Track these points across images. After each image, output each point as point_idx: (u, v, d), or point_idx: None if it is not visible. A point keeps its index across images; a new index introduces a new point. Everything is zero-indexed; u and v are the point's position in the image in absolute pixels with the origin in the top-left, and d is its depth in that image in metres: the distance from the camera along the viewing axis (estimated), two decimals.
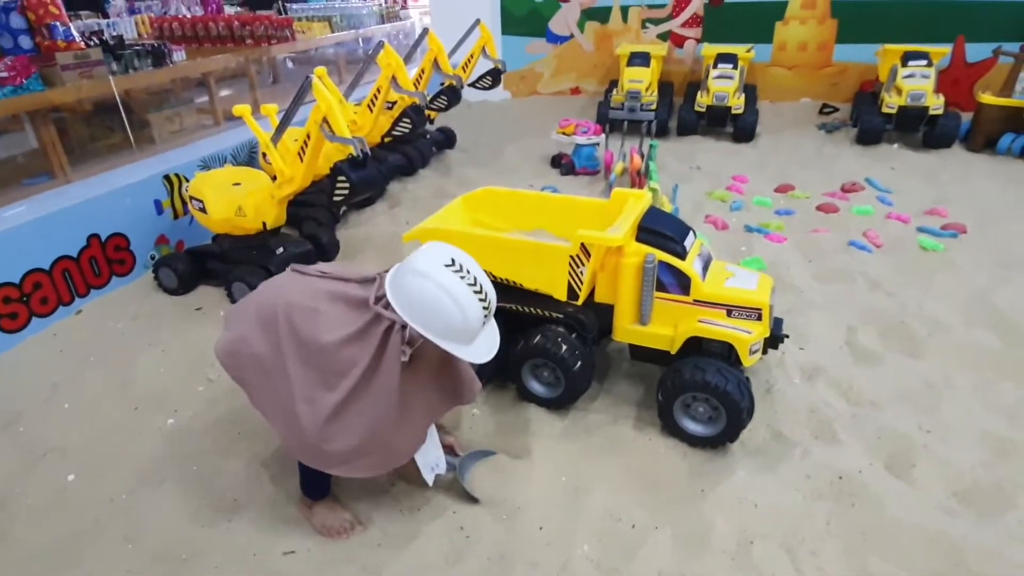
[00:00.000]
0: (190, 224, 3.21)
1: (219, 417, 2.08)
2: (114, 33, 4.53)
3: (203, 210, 2.73)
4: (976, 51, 4.92)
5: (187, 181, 3.14)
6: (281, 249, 2.89)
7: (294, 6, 6.21)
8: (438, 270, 1.33)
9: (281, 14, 5.79)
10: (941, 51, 4.59)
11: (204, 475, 1.84)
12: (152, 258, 3.06)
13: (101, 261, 2.84)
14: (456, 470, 1.74)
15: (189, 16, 5.13)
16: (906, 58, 4.53)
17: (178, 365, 2.37)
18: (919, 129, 4.51)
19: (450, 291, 1.32)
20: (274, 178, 2.75)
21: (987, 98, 4.33)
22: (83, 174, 3.11)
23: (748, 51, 5.06)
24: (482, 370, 2.08)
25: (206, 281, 2.95)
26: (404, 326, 1.38)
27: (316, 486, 1.66)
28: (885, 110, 4.48)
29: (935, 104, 4.34)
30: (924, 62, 4.47)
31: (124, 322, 2.68)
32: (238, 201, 2.71)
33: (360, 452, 1.45)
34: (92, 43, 3.71)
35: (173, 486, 1.80)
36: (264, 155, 2.97)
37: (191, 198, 2.77)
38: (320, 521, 1.64)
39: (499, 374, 2.13)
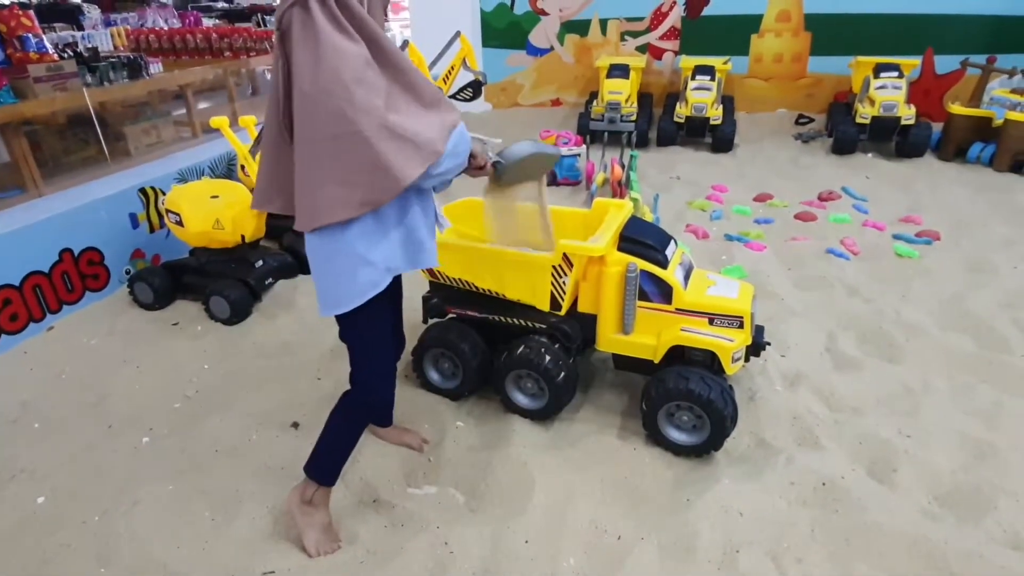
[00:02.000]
0: (167, 238, 3.16)
1: (196, 435, 2.03)
2: (89, 45, 4.46)
3: (180, 223, 2.69)
4: (945, 63, 5.05)
5: (163, 194, 3.09)
6: (260, 262, 2.85)
7: (272, 18, 6.17)
8: None
9: (260, 27, 5.76)
10: (911, 63, 4.71)
11: (180, 495, 1.79)
12: (127, 273, 3.00)
13: (74, 276, 2.77)
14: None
15: (167, 28, 5.08)
16: (878, 70, 4.64)
17: (154, 382, 2.31)
18: (892, 139, 4.61)
19: None
20: (252, 190, 2.72)
21: (957, 108, 4.44)
22: (56, 187, 3.04)
23: (725, 63, 5.14)
24: (465, 382, 2.08)
25: (183, 296, 2.90)
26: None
27: (330, 464, 1.56)
28: (859, 120, 4.57)
29: (907, 115, 4.45)
30: (895, 74, 4.58)
31: (98, 338, 2.62)
32: (216, 214, 2.67)
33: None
34: (66, 55, 3.65)
35: (148, 507, 1.74)
36: (243, 167, 2.94)
37: (167, 211, 2.73)
38: (315, 545, 1.56)
39: (483, 385, 2.11)
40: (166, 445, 1.99)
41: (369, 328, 1.45)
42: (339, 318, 1.41)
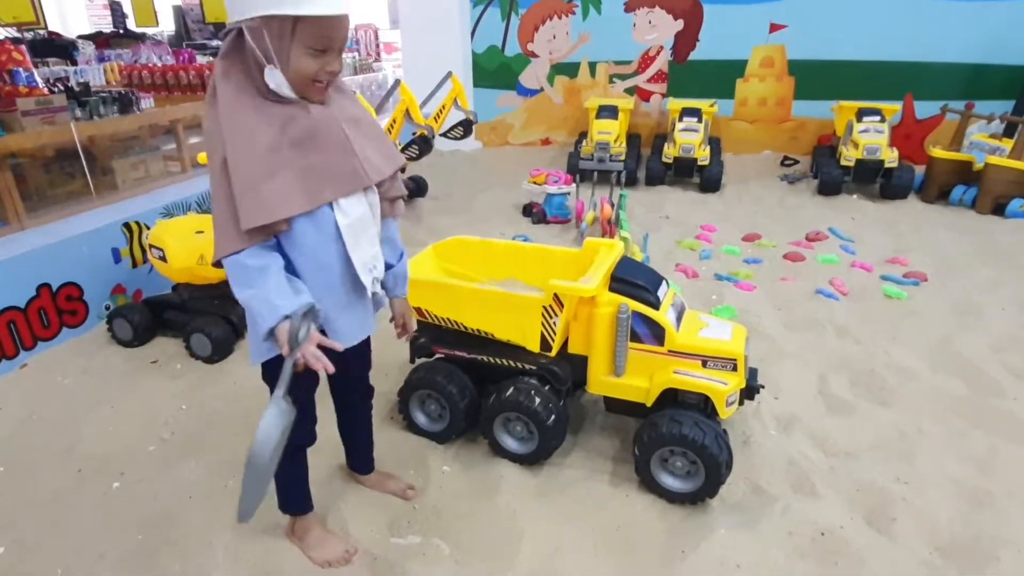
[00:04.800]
0: (149, 273, 3.10)
1: (170, 480, 1.94)
2: (81, 80, 4.48)
3: (163, 259, 2.64)
4: (924, 108, 5.19)
5: (148, 229, 3.05)
6: None
7: None
8: None
9: None
10: (892, 108, 4.84)
11: (149, 546, 1.69)
12: (107, 308, 2.93)
13: (51, 312, 2.70)
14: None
15: (160, 65, 5.12)
16: (860, 114, 4.75)
17: (128, 423, 2.23)
18: (876, 181, 4.69)
19: None
20: None
21: (938, 152, 4.54)
22: (39, 221, 2.99)
23: (711, 105, 5.25)
24: (453, 425, 2.02)
25: (163, 332, 2.83)
26: (238, 32, 1.12)
27: (295, 495, 1.60)
28: (843, 163, 4.66)
29: (890, 157, 4.54)
30: (878, 118, 4.69)
31: (72, 377, 2.53)
32: (200, 249, 2.63)
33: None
34: (56, 90, 3.65)
35: (114, 560, 1.65)
36: None
37: (151, 246, 2.68)
38: (319, 555, 1.61)
39: (471, 428, 2.05)
40: (137, 492, 1.90)
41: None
42: None
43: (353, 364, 1.56)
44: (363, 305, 1.40)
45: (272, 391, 1.27)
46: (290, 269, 1.25)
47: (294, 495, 1.61)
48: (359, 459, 1.85)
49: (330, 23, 1.12)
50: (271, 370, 1.35)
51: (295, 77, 1.15)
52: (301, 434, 1.47)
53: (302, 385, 1.31)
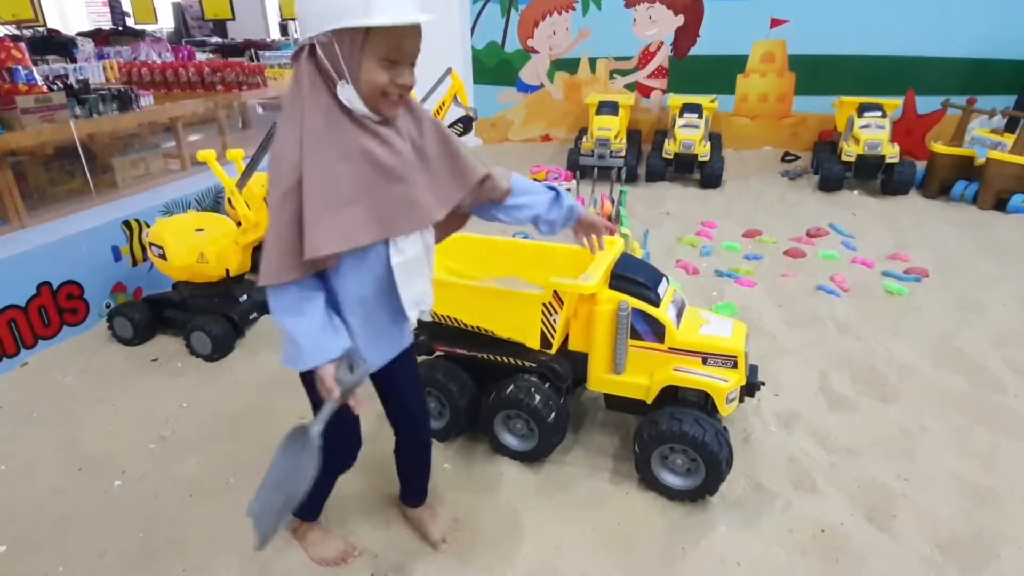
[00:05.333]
0: (149, 271, 3.10)
1: (171, 478, 1.94)
2: (80, 77, 4.46)
3: (163, 257, 2.64)
4: (926, 103, 5.18)
5: (148, 227, 3.05)
6: (245, 297, 2.80)
7: (266, 53, 6.25)
8: None
9: (253, 61, 5.82)
10: (893, 103, 4.82)
11: (150, 544, 1.69)
12: (107, 307, 2.93)
13: (51, 310, 2.70)
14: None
15: (159, 62, 5.11)
16: (861, 109, 4.73)
17: (128, 421, 2.23)
18: (877, 176, 4.68)
19: None
20: (239, 224, 2.68)
21: (939, 147, 4.53)
22: (40, 219, 2.99)
23: (712, 101, 5.23)
24: (453, 422, 2.01)
25: (164, 330, 2.83)
26: (311, 47, 1.09)
27: (312, 505, 1.61)
28: (844, 158, 4.65)
29: (891, 153, 4.52)
30: (879, 113, 4.68)
31: (73, 375, 2.53)
32: (200, 247, 2.63)
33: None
34: (56, 87, 3.64)
35: (115, 557, 1.65)
36: (229, 200, 2.91)
37: (151, 244, 2.68)
38: (317, 554, 1.62)
39: (471, 426, 2.05)
40: (138, 489, 1.90)
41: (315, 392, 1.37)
42: None
43: (393, 391, 1.51)
44: (397, 330, 1.37)
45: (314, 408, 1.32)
46: (328, 297, 1.22)
47: (311, 504, 1.59)
48: (409, 489, 1.72)
49: (401, 33, 1.09)
50: (309, 384, 1.34)
51: (366, 90, 1.11)
52: (345, 459, 1.51)
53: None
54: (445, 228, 1.44)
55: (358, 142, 1.13)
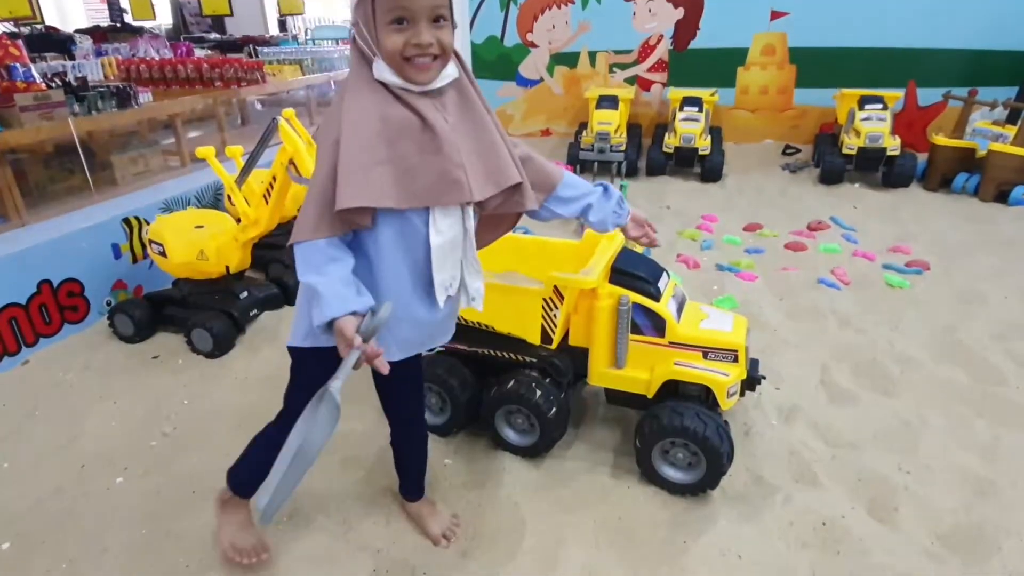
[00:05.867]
0: (149, 268, 3.10)
1: (173, 475, 1.95)
2: (79, 75, 4.45)
3: (163, 254, 2.64)
4: (927, 95, 5.15)
5: (148, 224, 3.05)
6: (245, 293, 2.80)
7: (265, 49, 6.23)
8: None
9: (252, 57, 5.80)
10: (895, 95, 4.80)
11: (153, 540, 1.70)
12: (108, 304, 2.93)
13: (52, 308, 2.70)
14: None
15: (158, 59, 5.09)
16: (862, 102, 4.72)
17: (130, 418, 2.23)
18: (878, 169, 4.66)
19: None
20: (239, 220, 2.68)
21: (941, 140, 4.51)
22: (40, 217, 2.99)
23: (712, 95, 5.21)
24: (454, 418, 2.02)
25: (165, 328, 2.83)
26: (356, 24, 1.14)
27: (249, 479, 1.51)
28: (845, 151, 4.63)
29: (892, 145, 4.51)
30: (880, 106, 4.66)
31: (74, 372, 2.53)
32: (200, 244, 2.62)
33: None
34: (54, 85, 3.63)
35: (118, 553, 1.66)
36: (229, 197, 2.91)
37: (150, 241, 2.68)
38: (228, 536, 1.56)
39: (472, 421, 2.05)
40: (140, 486, 1.91)
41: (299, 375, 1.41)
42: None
43: (399, 383, 1.49)
44: (430, 319, 1.31)
45: (295, 385, 1.38)
46: (363, 269, 1.20)
47: (249, 478, 1.52)
48: (408, 482, 1.71)
49: None
50: (305, 361, 1.35)
51: (388, 58, 1.11)
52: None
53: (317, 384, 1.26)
54: (495, 227, 1.42)
55: (394, 110, 1.13)
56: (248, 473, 1.54)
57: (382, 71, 1.12)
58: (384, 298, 1.18)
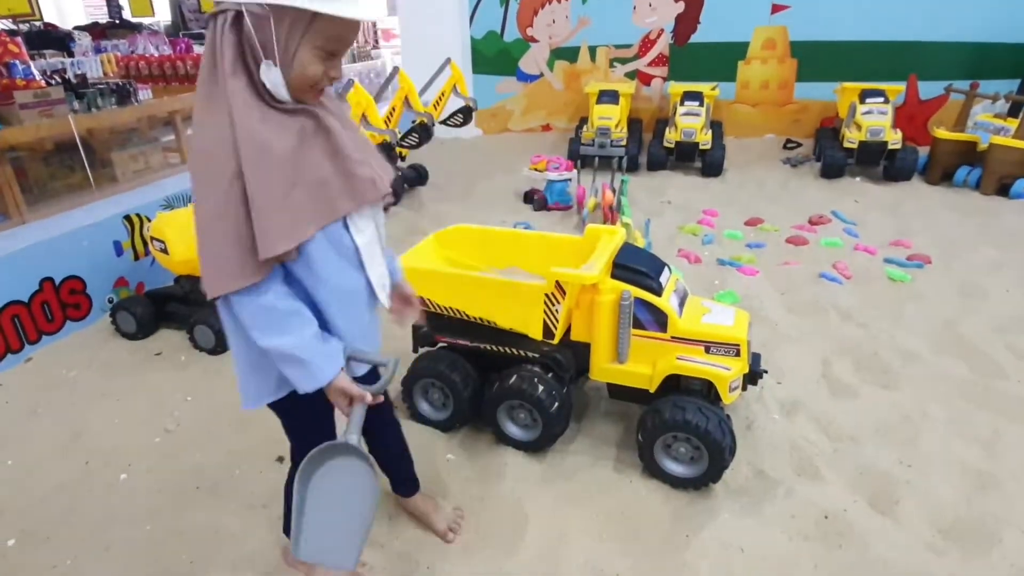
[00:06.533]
0: (151, 266, 3.10)
1: (176, 471, 1.95)
2: (78, 72, 4.44)
3: (165, 251, 2.64)
4: (928, 89, 5.14)
5: (149, 221, 3.05)
6: None
7: None
8: None
9: None
10: (896, 89, 4.79)
11: (157, 536, 1.71)
12: (110, 301, 2.93)
13: (54, 305, 2.70)
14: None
15: (157, 55, 5.08)
16: (864, 95, 4.70)
17: (134, 415, 2.24)
18: (879, 163, 4.65)
19: None
20: None
21: (942, 133, 4.50)
22: (40, 215, 2.99)
23: (713, 89, 5.20)
24: (457, 413, 2.02)
25: (167, 324, 2.83)
26: (237, 15, 0.96)
27: None
28: (846, 145, 4.62)
29: (893, 139, 4.50)
30: (881, 99, 4.64)
31: (77, 370, 2.54)
32: None
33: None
34: (54, 82, 3.63)
35: (122, 549, 1.67)
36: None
37: (152, 239, 2.68)
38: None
39: (474, 417, 2.06)
40: (144, 482, 1.92)
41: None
42: None
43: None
44: (375, 326, 1.30)
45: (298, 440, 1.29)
46: (301, 295, 1.11)
47: None
48: (396, 479, 1.70)
49: (347, 25, 1.00)
50: (293, 406, 1.22)
51: (297, 79, 1.01)
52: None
53: (320, 429, 1.26)
54: None
55: (291, 121, 1.03)
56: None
57: (275, 82, 0.99)
58: (335, 318, 1.14)
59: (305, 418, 1.27)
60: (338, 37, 1.01)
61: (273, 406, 1.25)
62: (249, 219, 1.00)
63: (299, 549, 1.15)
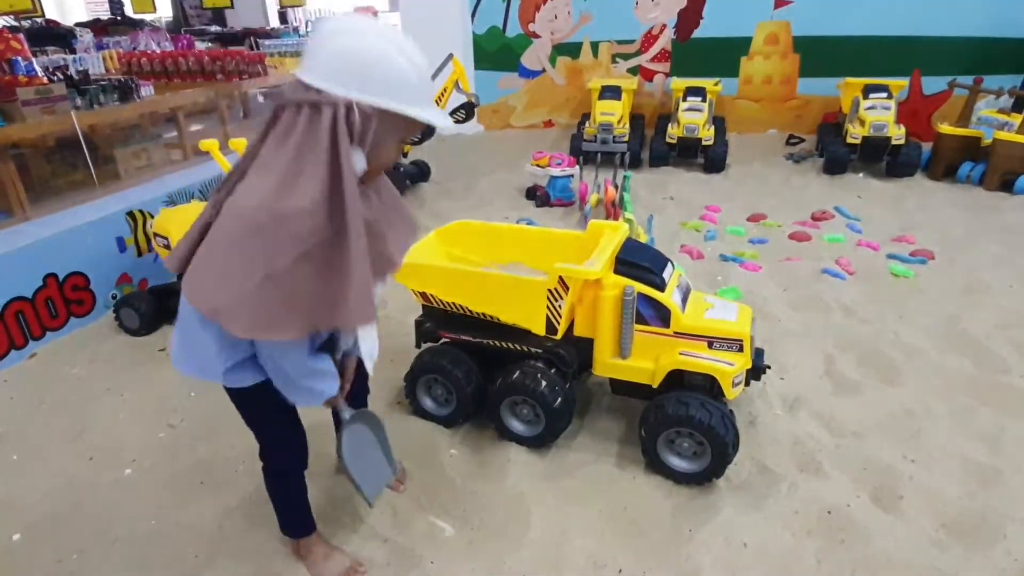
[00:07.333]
0: (154, 262, 3.10)
1: (181, 466, 1.96)
2: (80, 68, 4.45)
3: (168, 247, 2.64)
4: (932, 84, 5.12)
5: (152, 217, 3.05)
6: None
7: (266, 42, 6.21)
8: (367, 23, 1.07)
9: (253, 50, 5.78)
10: (899, 84, 4.77)
11: (162, 530, 1.72)
12: (113, 298, 2.94)
13: (58, 302, 2.71)
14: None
15: (159, 52, 5.08)
16: (867, 91, 4.68)
17: (138, 411, 2.25)
18: (882, 159, 4.64)
19: (392, 41, 1.05)
20: None
21: (946, 128, 4.49)
22: (43, 211, 2.99)
23: (716, 84, 5.19)
24: (459, 409, 2.03)
25: (170, 321, 2.84)
26: (348, 108, 1.03)
27: (296, 520, 1.56)
28: (849, 140, 4.61)
29: (897, 134, 4.48)
30: (884, 94, 4.63)
31: (81, 366, 2.55)
32: None
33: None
34: (56, 78, 3.63)
35: (127, 544, 1.67)
36: None
37: (155, 235, 2.68)
38: (320, 571, 1.56)
39: (477, 412, 2.06)
40: (149, 478, 1.92)
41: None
42: None
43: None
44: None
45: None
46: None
47: (296, 520, 1.57)
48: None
49: (424, 124, 1.14)
50: (253, 396, 1.40)
51: (378, 164, 1.15)
52: (289, 459, 1.48)
53: (281, 407, 1.37)
54: None
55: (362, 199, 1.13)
56: (288, 517, 1.57)
57: (359, 164, 1.09)
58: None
59: (265, 403, 1.40)
60: (415, 130, 1.17)
61: (242, 392, 1.40)
62: (314, 283, 1.08)
63: (369, 497, 1.51)
